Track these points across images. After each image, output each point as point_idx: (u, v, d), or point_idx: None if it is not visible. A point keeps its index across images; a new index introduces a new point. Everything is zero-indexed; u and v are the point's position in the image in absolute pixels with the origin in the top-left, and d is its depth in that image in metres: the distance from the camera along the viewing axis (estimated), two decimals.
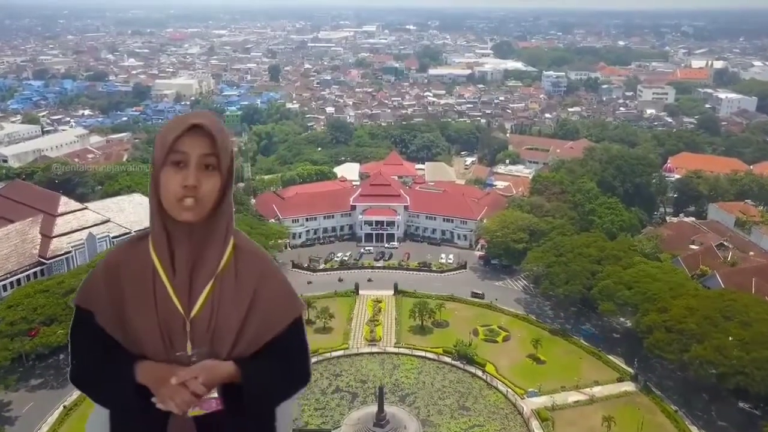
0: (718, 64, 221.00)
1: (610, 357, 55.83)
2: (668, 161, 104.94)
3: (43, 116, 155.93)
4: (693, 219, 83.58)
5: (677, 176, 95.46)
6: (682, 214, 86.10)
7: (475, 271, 73.69)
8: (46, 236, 58.87)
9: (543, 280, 62.15)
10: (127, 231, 63.43)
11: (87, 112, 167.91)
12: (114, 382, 2.76)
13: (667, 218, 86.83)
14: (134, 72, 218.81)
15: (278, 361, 2.87)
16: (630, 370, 53.30)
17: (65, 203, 62.35)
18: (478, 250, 78.31)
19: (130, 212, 66.92)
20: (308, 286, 65.67)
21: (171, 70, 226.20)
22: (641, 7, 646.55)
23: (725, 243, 71.12)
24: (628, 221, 70.72)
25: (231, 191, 2.78)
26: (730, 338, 46.89)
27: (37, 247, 58.54)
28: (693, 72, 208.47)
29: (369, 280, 68.76)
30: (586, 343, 57.78)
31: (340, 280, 68.77)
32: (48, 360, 52.61)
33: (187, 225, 2.69)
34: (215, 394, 2.72)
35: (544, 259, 62.98)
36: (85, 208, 63.11)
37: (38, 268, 57.99)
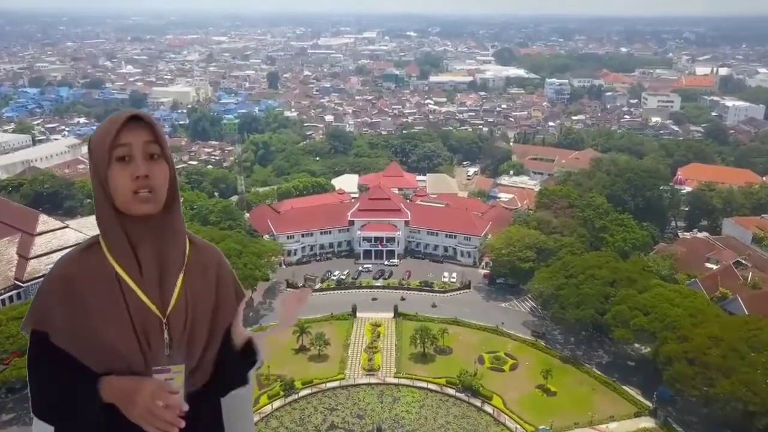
0: (723, 71, 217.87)
1: (626, 388, 52.04)
2: (678, 173, 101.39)
3: (37, 124, 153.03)
4: (707, 234, 79.79)
5: (688, 189, 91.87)
6: (695, 230, 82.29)
7: (479, 290, 69.97)
8: (23, 257, 55.29)
9: (552, 303, 58.40)
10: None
11: (82, 120, 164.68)
12: (79, 405, 2.55)
13: (680, 233, 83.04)
14: (131, 79, 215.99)
15: (232, 344, 2.90)
16: (648, 403, 49.50)
17: (44, 222, 58.83)
18: (482, 268, 74.64)
19: None
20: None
21: (169, 77, 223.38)
22: (641, 14, 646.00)
23: (743, 261, 67.47)
24: (641, 239, 67.04)
25: (177, 180, 2.73)
26: (759, 371, 43.19)
27: (14, 269, 54.93)
28: (698, 79, 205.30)
29: (374, 299, 65.70)
30: (599, 372, 54.01)
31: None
32: (22, 392, 48.93)
33: (143, 221, 2.60)
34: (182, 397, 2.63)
35: (553, 280, 59.27)
36: (66, 227, 59.57)
37: (14, 292, 54.35)
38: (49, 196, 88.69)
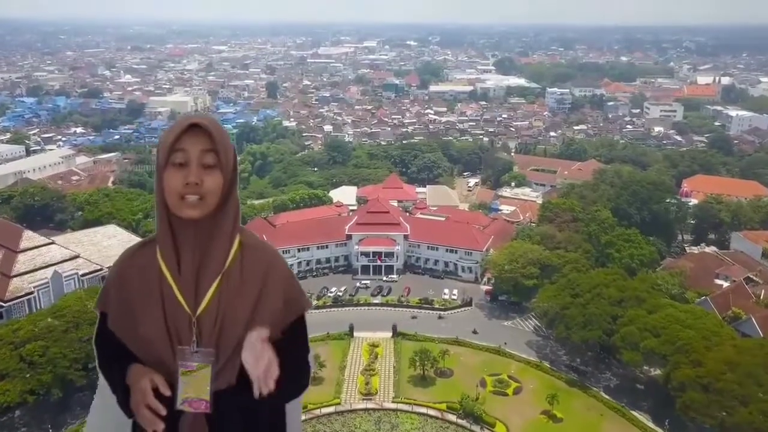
0: (725, 81, 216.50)
1: (636, 413, 49.56)
2: (683, 184, 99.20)
3: (33, 134, 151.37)
4: (715, 249, 77.51)
5: (694, 201, 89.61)
6: (703, 244, 79.95)
7: (481, 308, 67.56)
8: (6, 275, 52.99)
9: (557, 323, 56.00)
10: (98, 268, 57.61)
11: (79, 129, 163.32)
12: (114, 384, 2.86)
13: (687, 248, 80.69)
14: (130, 88, 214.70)
15: (283, 357, 2.74)
16: (660, 430, 46.97)
17: (29, 238, 56.55)
18: (484, 284, 72.30)
19: (104, 245, 61.19)
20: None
21: (167, 86, 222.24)
22: (640, 23, 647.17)
23: (754, 278, 65.07)
24: (649, 256, 64.69)
25: (236, 189, 2.84)
26: None
27: None
28: (700, 89, 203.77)
29: (413, 317, 63.90)
30: (607, 397, 51.57)
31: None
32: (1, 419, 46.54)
33: (192, 224, 2.74)
34: (206, 396, 2.72)
35: (558, 299, 56.91)
36: (52, 243, 57.33)
37: None
38: (39, 208, 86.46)
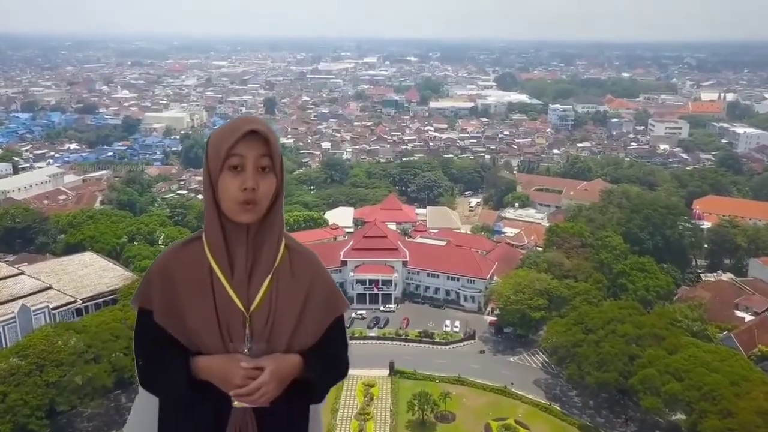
0: (730, 97, 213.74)
1: None
2: (694, 206, 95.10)
3: (26, 151, 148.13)
4: (732, 276, 73.15)
5: (707, 224, 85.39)
6: (720, 271, 75.55)
7: (485, 341, 63.02)
8: None
9: (568, 362, 51.53)
10: (72, 300, 53.39)
11: (73, 146, 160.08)
12: (171, 377, 2.85)
13: (702, 275, 76.24)
14: (126, 104, 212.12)
15: (326, 356, 2.96)
16: None
17: None
18: (488, 314, 67.86)
19: (80, 275, 56.96)
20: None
21: (164, 102, 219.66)
22: (639, 39, 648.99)
23: None
24: (665, 286, 60.32)
25: (283, 191, 2.89)
26: None
27: None
28: (705, 105, 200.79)
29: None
30: None
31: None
32: None
33: (244, 225, 2.80)
34: None
35: (569, 335, 52.51)
36: (21, 273, 53.07)
37: None
38: (20, 231, 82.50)
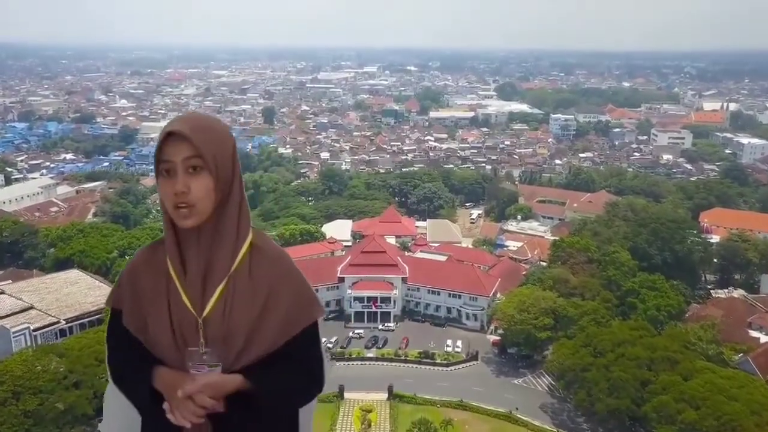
0: (732, 107, 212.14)
1: None
2: (701, 218, 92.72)
3: (21, 161, 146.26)
4: (744, 293, 70.65)
5: (716, 238, 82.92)
6: (731, 288, 73.00)
7: (488, 362, 60.34)
8: None
9: (577, 387, 48.90)
10: (54, 321, 50.86)
11: (69, 156, 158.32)
12: (135, 383, 2.85)
13: (712, 291, 73.68)
14: (124, 114, 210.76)
15: (292, 367, 2.82)
16: None
17: None
18: (490, 333, 65.28)
19: (64, 293, 54.49)
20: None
21: (163, 111, 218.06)
22: (638, 48, 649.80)
23: None
24: (677, 306, 57.75)
25: (237, 189, 2.77)
26: None
27: None
28: (708, 115, 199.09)
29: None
30: None
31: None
32: None
33: (194, 229, 2.72)
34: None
35: (577, 357, 49.94)
36: (2, 293, 50.59)
37: None
38: (9, 245, 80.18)
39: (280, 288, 2.79)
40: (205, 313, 2.72)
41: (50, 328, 50.32)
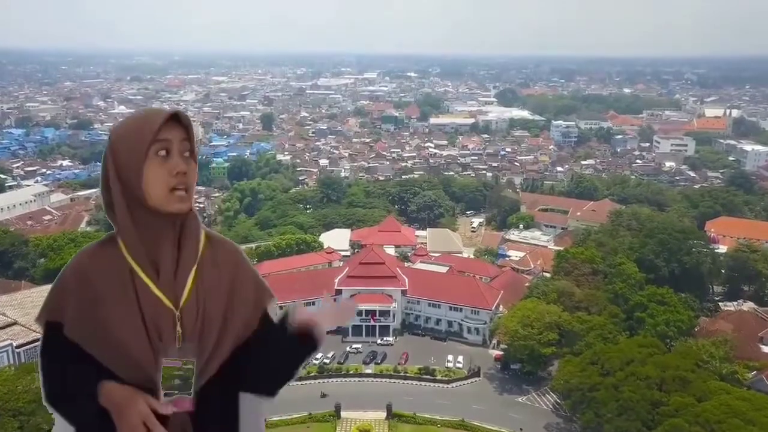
0: (735, 113, 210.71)
1: None
2: (707, 228, 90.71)
3: (17, 167, 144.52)
4: (754, 306, 68.54)
5: (723, 248, 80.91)
6: (741, 300, 70.90)
7: (491, 379, 58.18)
8: None
9: (584, 407, 46.74)
10: (39, 337, 48.53)
11: (66, 162, 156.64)
12: (77, 400, 2.58)
13: (720, 304, 71.56)
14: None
15: (262, 351, 2.76)
16: None
17: None
18: (493, 347, 63.14)
19: None
20: (271, 405, 50.11)
21: None
22: (638, 54, 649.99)
23: None
24: (687, 321, 55.67)
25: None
26: None
27: None
28: (710, 121, 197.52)
29: None
30: None
31: (323, 395, 53.15)
32: None
33: (170, 218, 2.62)
34: (191, 393, 2.55)
35: (584, 376, 47.80)
36: None
37: None
38: None
39: (239, 275, 2.75)
40: (181, 305, 2.59)
41: (34, 344, 48.08)
